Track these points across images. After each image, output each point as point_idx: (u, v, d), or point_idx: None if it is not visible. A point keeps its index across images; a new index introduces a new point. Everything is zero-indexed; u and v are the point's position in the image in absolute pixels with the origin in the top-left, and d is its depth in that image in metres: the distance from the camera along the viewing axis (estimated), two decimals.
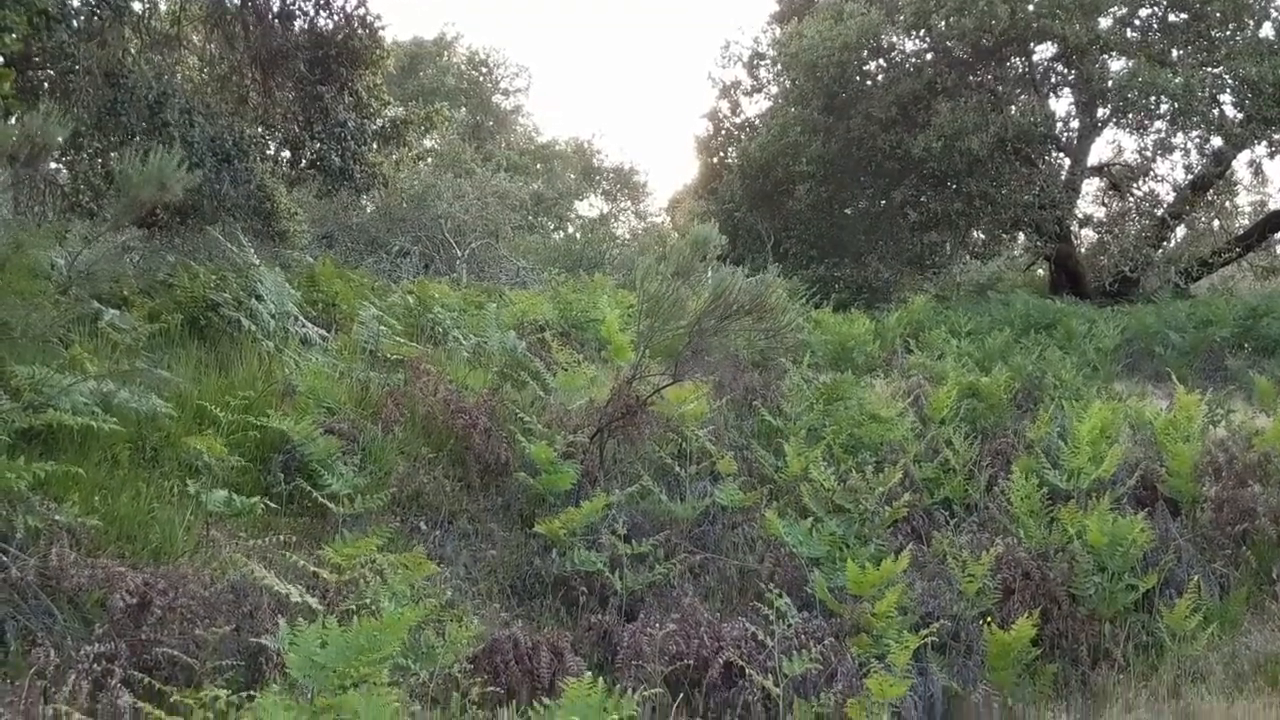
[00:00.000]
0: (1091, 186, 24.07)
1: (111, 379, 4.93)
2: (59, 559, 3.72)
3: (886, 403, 7.75)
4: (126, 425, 4.84)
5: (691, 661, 4.51)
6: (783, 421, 7.52)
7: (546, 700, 3.58)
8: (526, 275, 18.11)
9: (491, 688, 4.12)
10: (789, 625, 4.57)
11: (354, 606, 3.95)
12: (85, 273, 6.68)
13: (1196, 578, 5.54)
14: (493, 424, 6.44)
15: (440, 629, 4.21)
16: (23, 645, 3.43)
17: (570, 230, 33.66)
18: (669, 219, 33.81)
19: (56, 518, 3.95)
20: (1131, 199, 22.80)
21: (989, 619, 4.87)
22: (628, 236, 34.87)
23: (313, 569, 3.99)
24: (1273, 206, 23.68)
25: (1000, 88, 22.05)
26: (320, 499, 5.12)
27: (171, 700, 3.06)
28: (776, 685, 4.28)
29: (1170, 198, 22.33)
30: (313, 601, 3.85)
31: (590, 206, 38.49)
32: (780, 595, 4.65)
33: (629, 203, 39.84)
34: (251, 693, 3.21)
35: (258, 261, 7.98)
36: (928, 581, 5.40)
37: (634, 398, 6.61)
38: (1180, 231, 23.33)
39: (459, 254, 18.14)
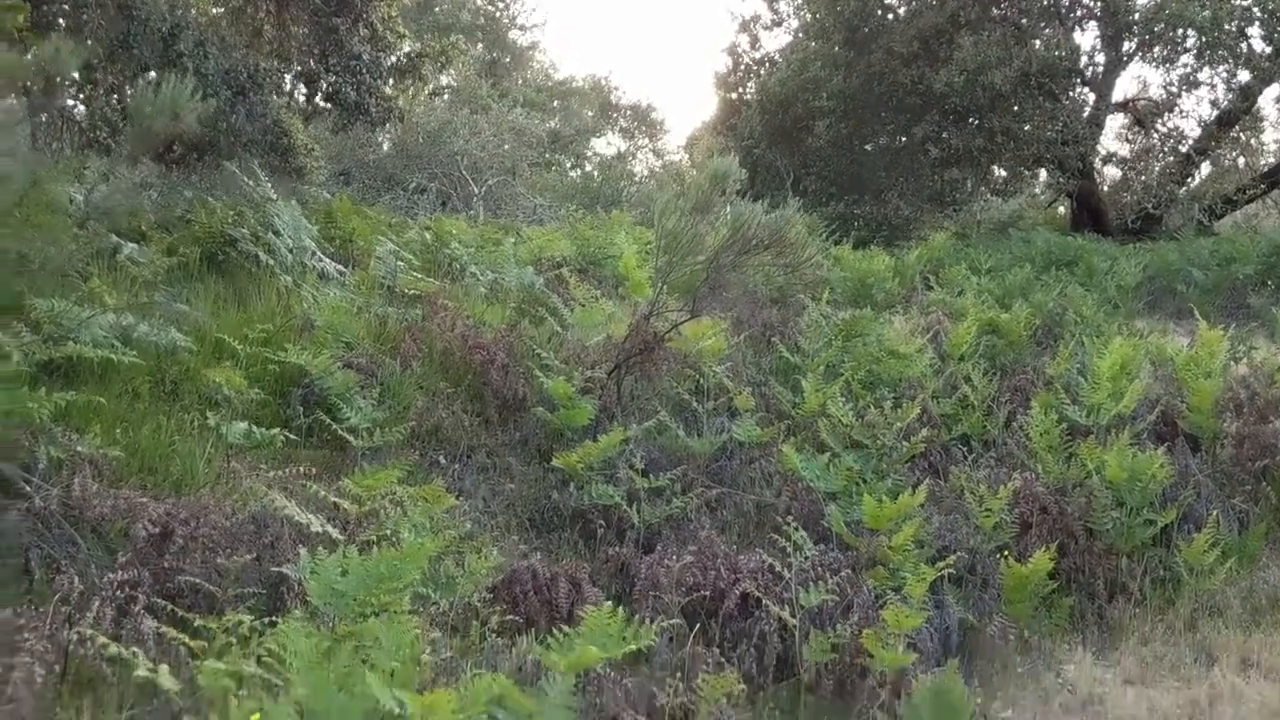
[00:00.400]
0: (1115, 123, 23.67)
1: (130, 312, 4.95)
2: (81, 489, 3.76)
3: (906, 339, 7.72)
4: (146, 359, 4.86)
5: (708, 593, 4.54)
6: (801, 358, 7.50)
7: (565, 628, 3.62)
8: (543, 213, 18.04)
9: (510, 617, 4.16)
10: (805, 558, 4.58)
11: (374, 537, 3.98)
12: (103, 208, 6.67)
13: (1215, 513, 5.53)
14: (510, 360, 6.44)
15: (460, 560, 4.25)
16: (47, 573, 3.47)
17: (587, 168, 33.44)
18: (687, 157, 33.55)
19: (78, 448, 3.98)
20: (1156, 135, 22.41)
21: (1006, 553, 4.88)
22: (645, 174, 34.62)
23: (333, 500, 4.02)
24: None
25: (1024, 21, 21.62)
26: (340, 432, 5.15)
27: (195, 625, 3.10)
28: (793, 616, 4.30)
29: (1195, 134, 21.94)
30: (333, 531, 3.88)
31: (607, 144, 38.15)
32: (797, 528, 4.66)
33: (646, 140, 39.45)
34: (274, 619, 3.25)
35: (275, 196, 7.95)
36: (945, 516, 5.40)
37: (651, 334, 6.59)
38: (1205, 168, 22.96)
39: (476, 191, 18.06)
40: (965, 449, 6.60)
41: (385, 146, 20.76)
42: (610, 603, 3.84)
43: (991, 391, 7.11)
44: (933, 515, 5.32)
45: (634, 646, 3.40)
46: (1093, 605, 5.17)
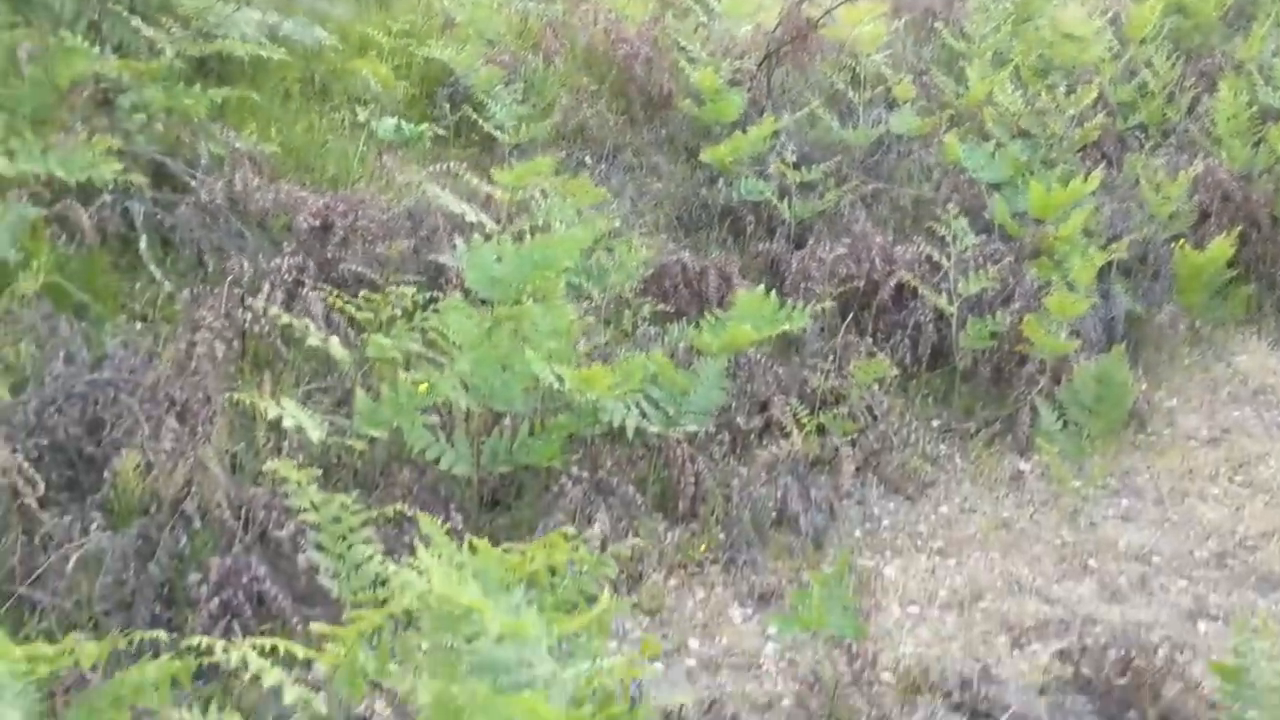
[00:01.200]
0: None
1: (275, 10, 4.90)
2: (243, 183, 3.85)
3: (1082, 21, 7.09)
4: (294, 56, 4.85)
5: (862, 284, 4.47)
6: (966, 44, 6.99)
7: (717, 314, 3.63)
8: None
9: (661, 307, 4.19)
10: (965, 248, 4.42)
11: (527, 227, 3.99)
12: None
13: None
14: (655, 53, 6.21)
15: (611, 253, 4.26)
16: (219, 262, 3.62)
17: None
18: None
19: (237, 145, 4.05)
20: None
21: (1182, 241, 4.63)
22: None
23: (485, 190, 4.02)
24: None
25: None
26: (487, 129, 5.12)
27: (361, 298, 3.20)
28: (950, 304, 4.21)
29: None
30: (488, 221, 3.90)
31: None
32: (957, 216, 4.48)
33: None
34: (436, 294, 3.34)
35: None
36: (1118, 204, 5.12)
37: (804, 20, 6.23)
38: None
39: None
40: (1143, 136, 6.17)
41: None
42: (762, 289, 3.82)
43: (1174, 76, 6.55)
44: (1104, 204, 5.04)
45: (786, 327, 3.40)
46: (1272, 296, 4.94)
